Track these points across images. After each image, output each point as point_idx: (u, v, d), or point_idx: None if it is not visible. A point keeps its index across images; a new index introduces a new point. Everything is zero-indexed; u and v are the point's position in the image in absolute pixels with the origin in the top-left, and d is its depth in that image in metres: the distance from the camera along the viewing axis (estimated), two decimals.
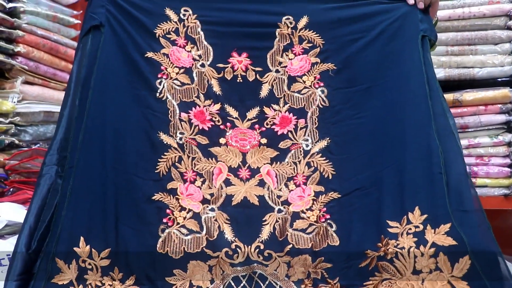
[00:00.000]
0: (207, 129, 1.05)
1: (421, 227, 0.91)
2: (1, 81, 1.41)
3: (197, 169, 1.02)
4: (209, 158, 1.03)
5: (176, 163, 1.01)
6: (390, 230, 0.94)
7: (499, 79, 1.57)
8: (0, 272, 1.02)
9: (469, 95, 1.55)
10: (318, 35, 1.11)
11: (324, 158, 1.03)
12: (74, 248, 0.90)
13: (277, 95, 1.07)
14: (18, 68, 1.41)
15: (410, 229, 0.92)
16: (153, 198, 0.97)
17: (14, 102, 1.38)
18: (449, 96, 1.56)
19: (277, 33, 1.11)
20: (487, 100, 1.54)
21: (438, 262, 0.86)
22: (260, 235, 0.97)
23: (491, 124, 1.56)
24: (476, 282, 0.83)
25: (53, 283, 0.87)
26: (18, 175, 1.40)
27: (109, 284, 0.89)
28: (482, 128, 1.57)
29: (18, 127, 1.43)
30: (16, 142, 1.41)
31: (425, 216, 0.92)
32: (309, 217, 0.99)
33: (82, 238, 0.91)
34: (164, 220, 0.96)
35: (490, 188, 1.57)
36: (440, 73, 1.59)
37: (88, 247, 0.90)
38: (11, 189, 1.37)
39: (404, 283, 0.87)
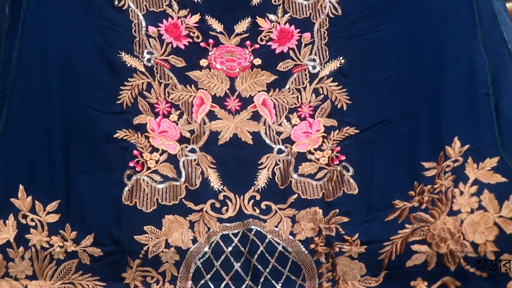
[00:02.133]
0: (183, 47, 0.94)
1: (461, 160, 0.81)
2: None
3: (171, 99, 0.91)
4: (187, 85, 0.93)
5: (144, 92, 0.90)
6: (425, 173, 0.84)
7: None
8: None
9: None
10: None
11: (337, 83, 0.93)
12: (11, 200, 0.79)
13: (274, 1, 0.95)
14: None
15: (448, 166, 0.82)
16: (115, 136, 0.86)
17: None
18: None
19: None
20: None
21: (482, 200, 0.78)
22: (255, 182, 0.88)
23: None
24: None
25: None
26: None
27: (59, 246, 0.78)
28: None
29: None
30: None
31: (466, 147, 0.81)
32: (318, 159, 0.90)
33: (21, 187, 0.79)
34: (131, 164, 0.86)
35: None
36: None
37: (29, 198, 0.79)
38: None
39: (439, 227, 0.78)
